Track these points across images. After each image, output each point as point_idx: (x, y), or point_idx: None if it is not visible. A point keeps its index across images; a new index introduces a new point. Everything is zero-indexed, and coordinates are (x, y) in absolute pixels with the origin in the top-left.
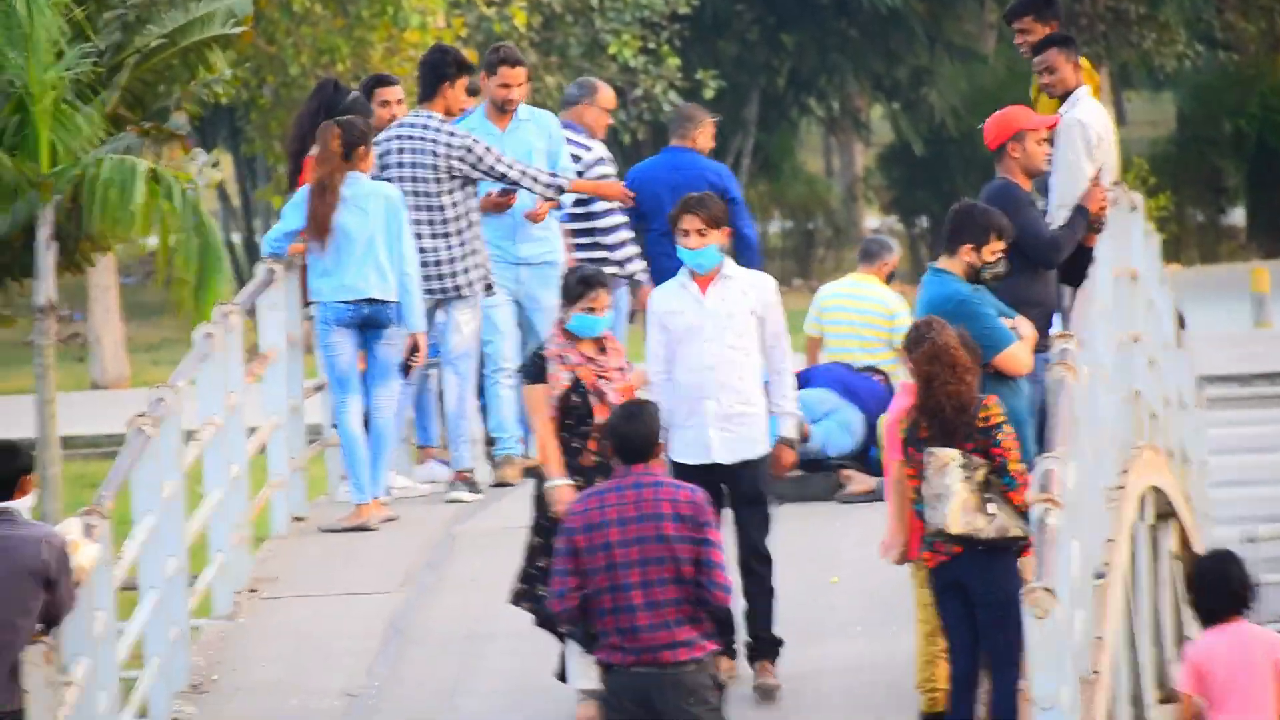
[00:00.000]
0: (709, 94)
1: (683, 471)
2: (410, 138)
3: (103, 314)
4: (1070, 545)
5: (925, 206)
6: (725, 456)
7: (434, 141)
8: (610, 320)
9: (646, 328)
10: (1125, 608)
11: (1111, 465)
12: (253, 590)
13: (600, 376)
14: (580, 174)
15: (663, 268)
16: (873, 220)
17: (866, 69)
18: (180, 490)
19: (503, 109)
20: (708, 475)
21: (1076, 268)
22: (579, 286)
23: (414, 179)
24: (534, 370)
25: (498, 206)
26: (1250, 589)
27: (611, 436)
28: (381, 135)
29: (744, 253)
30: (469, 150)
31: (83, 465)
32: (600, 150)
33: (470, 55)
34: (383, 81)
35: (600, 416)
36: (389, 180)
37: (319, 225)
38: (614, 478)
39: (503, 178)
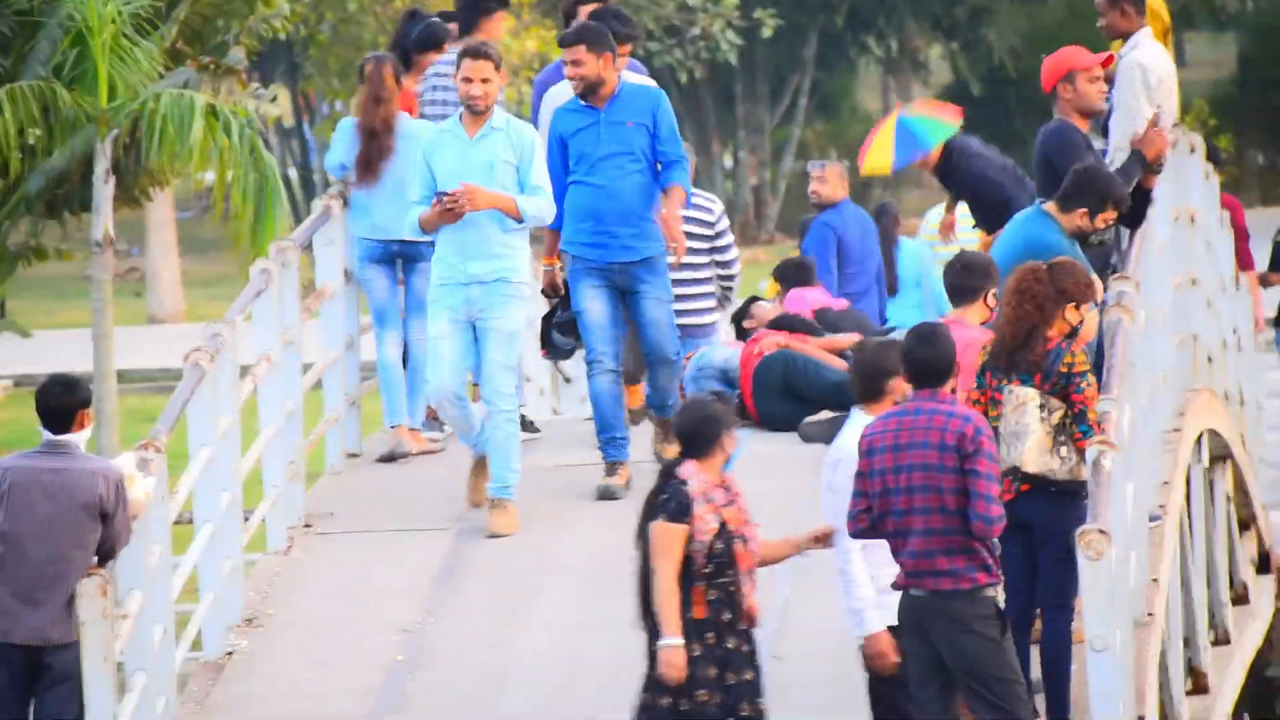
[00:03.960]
0: (767, 33)
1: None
2: (443, 75)
3: (160, 249)
4: (1125, 488)
5: None
6: None
7: None
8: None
9: None
10: (1179, 550)
11: (1167, 408)
12: (307, 525)
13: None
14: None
15: None
16: None
17: (925, 8)
18: (235, 425)
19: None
20: None
21: (1135, 210)
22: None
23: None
24: (676, 509)
25: (445, 215)
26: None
27: (906, 360)
28: (427, 72)
29: None
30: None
31: (139, 400)
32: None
33: None
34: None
35: (743, 565)
36: (427, 118)
37: (370, 166)
38: (909, 401)
39: None
